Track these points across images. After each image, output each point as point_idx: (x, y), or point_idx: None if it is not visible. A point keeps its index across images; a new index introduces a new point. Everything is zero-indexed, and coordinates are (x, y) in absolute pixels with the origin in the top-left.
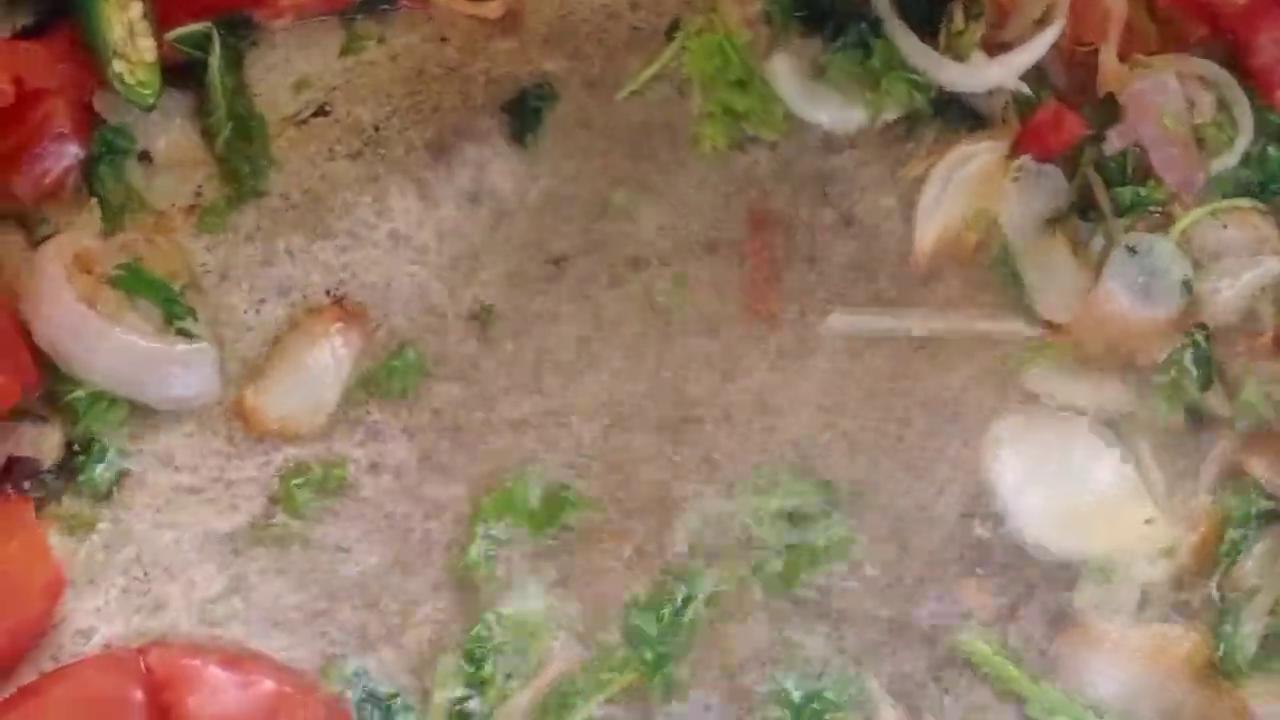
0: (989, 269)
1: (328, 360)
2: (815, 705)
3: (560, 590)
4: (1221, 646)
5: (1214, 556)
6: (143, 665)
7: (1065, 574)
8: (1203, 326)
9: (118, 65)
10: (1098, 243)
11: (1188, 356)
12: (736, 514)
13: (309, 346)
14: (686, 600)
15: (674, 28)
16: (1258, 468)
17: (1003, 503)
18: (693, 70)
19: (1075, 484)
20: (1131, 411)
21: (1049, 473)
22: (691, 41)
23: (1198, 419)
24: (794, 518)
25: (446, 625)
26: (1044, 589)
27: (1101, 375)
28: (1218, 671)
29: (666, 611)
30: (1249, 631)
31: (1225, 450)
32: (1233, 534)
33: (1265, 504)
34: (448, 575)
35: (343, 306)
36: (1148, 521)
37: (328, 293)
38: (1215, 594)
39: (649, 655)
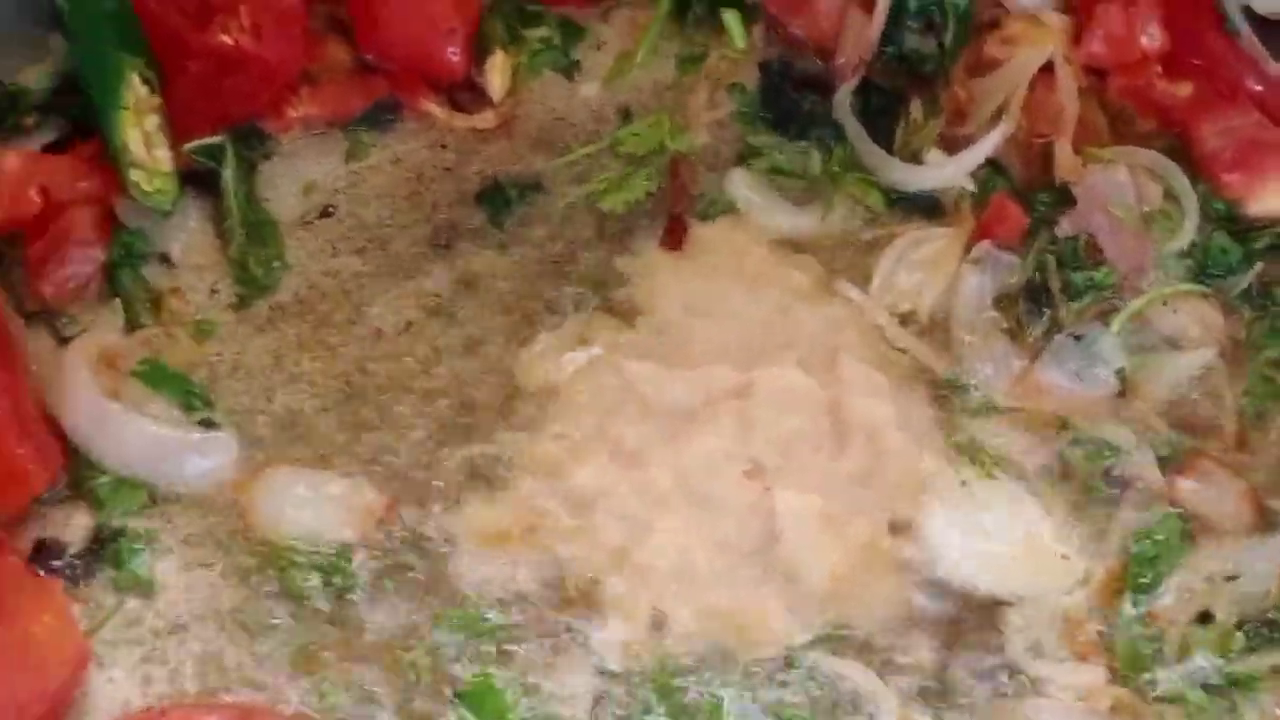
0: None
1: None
2: None
3: None
4: (1149, 682)
5: (1127, 585)
6: None
7: (992, 613)
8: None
9: (135, 174)
10: (1039, 325)
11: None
12: None
13: (342, 513)
14: None
15: (627, 115)
16: (1181, 489)
17: (931, 547)
18: (627, 149)
19: (998, 528)
20: (1049, 466)
21: (974, 518)
22: (639, 128)
23: (1116, 481)
24: None
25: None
26: (974, 631)
27: (1026, 434)
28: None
29: None
30: (1175, 670)
31: (1140, 494)
32: (1146, 569)
33: (1181, 528)
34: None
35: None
36: (1064, 557)
37: (347, 382)
38: (1140, 629)
39: None
